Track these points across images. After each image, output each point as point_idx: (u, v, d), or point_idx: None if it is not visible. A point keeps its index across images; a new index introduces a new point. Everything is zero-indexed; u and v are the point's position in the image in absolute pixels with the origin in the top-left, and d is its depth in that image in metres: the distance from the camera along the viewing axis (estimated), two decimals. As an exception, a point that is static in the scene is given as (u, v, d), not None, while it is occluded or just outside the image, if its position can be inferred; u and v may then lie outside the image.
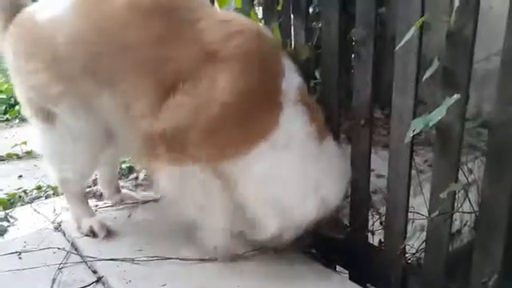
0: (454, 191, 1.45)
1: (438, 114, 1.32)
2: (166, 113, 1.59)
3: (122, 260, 1.78)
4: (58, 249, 1.85)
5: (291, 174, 1.61)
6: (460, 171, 1.59)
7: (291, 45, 1.93)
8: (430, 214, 1.52)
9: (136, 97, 1.64)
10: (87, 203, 2.10)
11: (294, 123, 1.60)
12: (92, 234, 1.95)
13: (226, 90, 1.53)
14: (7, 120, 3.95)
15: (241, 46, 1.57)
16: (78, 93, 1.73)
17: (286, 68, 1.65)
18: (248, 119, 1.56)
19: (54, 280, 1.67)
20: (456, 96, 1.30)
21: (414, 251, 1.80)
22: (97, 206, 2.23)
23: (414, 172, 1.64)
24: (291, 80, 1.64)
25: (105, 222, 2.01)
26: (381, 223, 1.80)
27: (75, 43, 1.67)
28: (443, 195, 1.41)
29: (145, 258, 1.78)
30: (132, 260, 1.77)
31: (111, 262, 1.77)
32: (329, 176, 1.65)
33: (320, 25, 1.83)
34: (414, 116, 1.50)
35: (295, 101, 1.61)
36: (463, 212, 1.68)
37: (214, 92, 1.54)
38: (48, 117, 1.80)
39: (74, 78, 1.70)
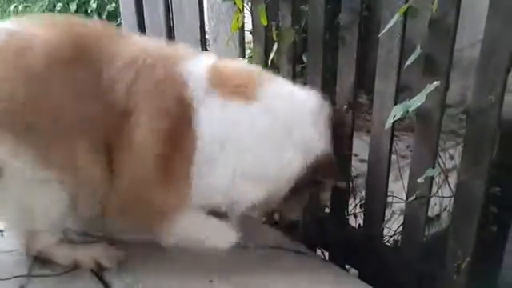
0: (432, 176, 1.48)
1: (417, 101, 1.35)
2: (118, 177, 1.52)
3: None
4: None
5: (252, 144, 1.53)
6: (442, 157, 1.63)
7: (278, 28, 1.93)
8: (407, 198, 1.56)
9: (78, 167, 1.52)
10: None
11: (214, 112, 1.52)
12: (99, 268, 1.62)
13: (149, 142, 1.49)
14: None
15: (141, 92, 1.50)
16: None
17: (184, 70, 1.55)
18: (179, 141, 1.51)
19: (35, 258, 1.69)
20: (435, 83, 1.32)
21: (391, 234, 1.84)
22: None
23: (396, 157, 1.67)
24: (195, 78, 1.54)
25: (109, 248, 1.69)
26: (361, 206, 1.84)
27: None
28: (420, 180, 1.45)
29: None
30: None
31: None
32: (292, 119, 1.54)
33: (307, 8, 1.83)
34: (396, 102, 1.52)
35: (205, 93, 1.53)
36: (440, 196, 1.72)
37: (140, 148, 1.49)
38: None
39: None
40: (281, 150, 1.53)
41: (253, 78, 1.60)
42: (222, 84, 1.56)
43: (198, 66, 1.59)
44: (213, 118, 1.52)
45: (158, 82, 1.52)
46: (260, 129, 1.53)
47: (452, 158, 2.12)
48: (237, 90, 1.55)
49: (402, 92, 1.57)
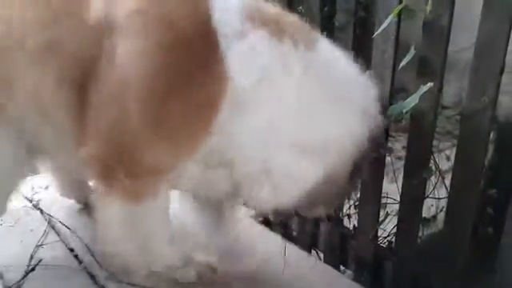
0: (425, 177, 1.48)
1: (411, 102, 1.35)
2: (93, 124, 1.20)
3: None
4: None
5: (301, 99, 1.22)
6: (438, 158, 1.62)
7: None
8: (401, 199, 1.55)
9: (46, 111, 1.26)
10: None
11: (256, 49, 1.19)
12: None
13: (138, 66, 1.15)
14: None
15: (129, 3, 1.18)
16: None
17: None
18: (192, 75, 1.16)
19: (31, 257, 1.68)
20: (429, 84, 1.32)
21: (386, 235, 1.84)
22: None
23: (390, 158, 1.67)
24: (226, 10, 1.22)
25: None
26: (355, 207, 1.84)
27: None
28: (414, 181, 1.45)
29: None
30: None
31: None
32: (353, 80, 1.29)
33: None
34: (391, 103, 1.52)
35: (245, 30, 1.20)
36: (435, 198, 1.72)
37: (124, 75, 1.16)
38: None
39: None
40: (341, 112, 1.24)
41: (305, 27, 1.32)
42: (266, 22, 1.22)
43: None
44: (254, 55, 1.18)
45: None
46: (319, 82, 1.22)
47: (448, 159, 2.12)
48: (289, 33, 1.24)
49: (399, 93, 1.57)
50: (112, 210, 1.31)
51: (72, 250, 1.73)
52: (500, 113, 1.30)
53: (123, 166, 1.23)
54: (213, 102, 1.18)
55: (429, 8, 1.30)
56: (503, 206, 1.45)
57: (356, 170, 1.29)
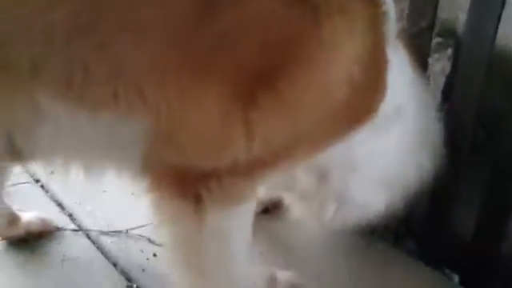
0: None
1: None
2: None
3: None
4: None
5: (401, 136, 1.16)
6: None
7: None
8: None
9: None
10: None
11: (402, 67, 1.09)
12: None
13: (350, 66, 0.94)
14: None
15: None
16: None
17: None
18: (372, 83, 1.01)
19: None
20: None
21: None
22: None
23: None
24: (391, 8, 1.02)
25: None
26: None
27: None
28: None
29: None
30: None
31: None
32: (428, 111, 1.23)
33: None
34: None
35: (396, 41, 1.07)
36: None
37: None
38: None
39: None
40: (420, 151, 1.20)
41: None
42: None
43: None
44: (402, 77, 1.08)
45: None
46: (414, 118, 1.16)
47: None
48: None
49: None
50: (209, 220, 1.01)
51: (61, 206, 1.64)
52: (458, 29, 1.31)
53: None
54: (372, 109, 1.04)
55: None
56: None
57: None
